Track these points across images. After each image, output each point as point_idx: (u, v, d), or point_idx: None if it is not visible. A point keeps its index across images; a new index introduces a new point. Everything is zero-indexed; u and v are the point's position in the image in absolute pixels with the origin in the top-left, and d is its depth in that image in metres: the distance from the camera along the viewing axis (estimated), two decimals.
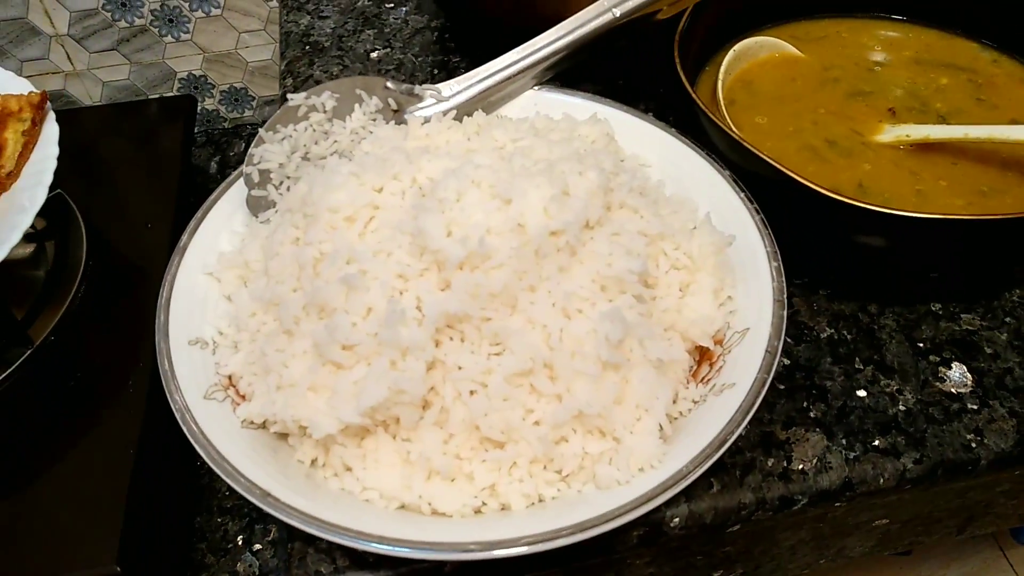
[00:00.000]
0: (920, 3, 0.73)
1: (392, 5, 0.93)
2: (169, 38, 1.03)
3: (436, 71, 0.83)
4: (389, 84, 0.60)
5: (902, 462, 0.52)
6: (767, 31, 0.73)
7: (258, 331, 0.47)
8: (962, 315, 0.59)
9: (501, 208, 0.44)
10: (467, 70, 0.83)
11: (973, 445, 0.52)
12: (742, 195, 0.54)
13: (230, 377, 0.47)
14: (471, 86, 0.62)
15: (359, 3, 0.93)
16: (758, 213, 0.53)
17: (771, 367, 0.45)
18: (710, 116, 0.55)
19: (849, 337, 0.58)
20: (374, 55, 0.86)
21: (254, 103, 1.14)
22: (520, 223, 0.44)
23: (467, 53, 0.85)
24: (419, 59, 0.85)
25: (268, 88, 1.11)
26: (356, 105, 0.59)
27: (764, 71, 0.70)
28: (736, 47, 0.68)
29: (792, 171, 0.51)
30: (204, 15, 1.02)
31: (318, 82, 0.83)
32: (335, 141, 0.58)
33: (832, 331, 0.58)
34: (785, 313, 0.48)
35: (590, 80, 0.78)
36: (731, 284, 0.50)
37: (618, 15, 0.62)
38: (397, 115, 0.61)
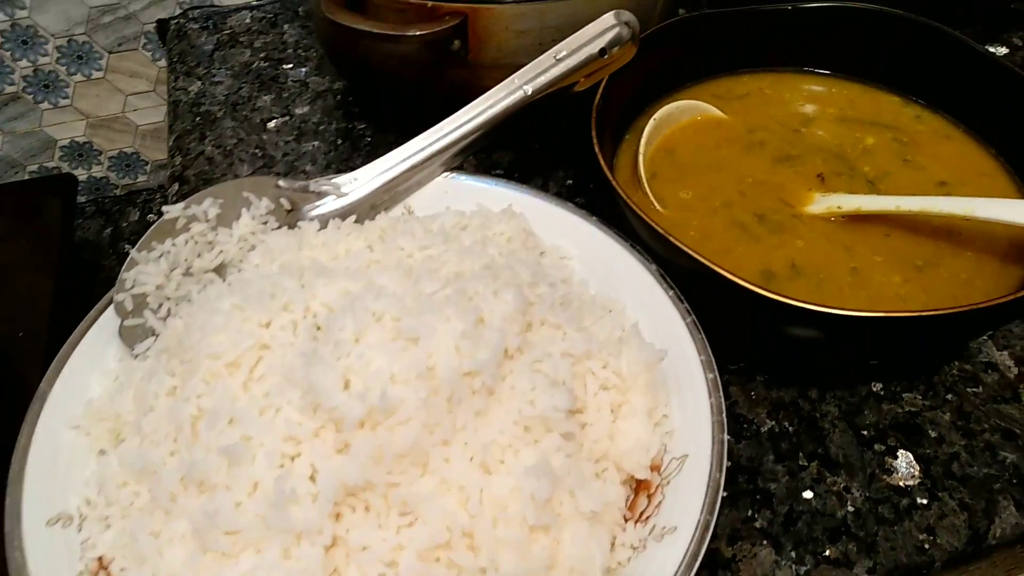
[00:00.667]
0: (841, 57, 0.70)
1: (291, 66, 0.86)
2: (46, 104, 0.94)
3: (340, 140, 0.77)
4: (280, 183, 0.54)
5: (855, 573, 0.48)
6: (689, 90, 0.70)
7: (131, 504, 0.41)
8: (904, 394, 0.56)
9: (407, 349, 0.39)
10: (372, 138, 0.78)
11: (926, 546, 0.49)
12: (671, 293, 0.50)
13: (100, 559, 0.40)
14: (374, 178, 0.56)
15: (254, 64, 0.86)
16: (689, 314, 0.49)
17: (715, 505, 0.41)
18: (631, 206, 0.51)
19: (791, 429, 0.55)
20: (271, 124, 0.79)
21: (147, 167, 1.05)
22: (429, 366, 0.38)
23: (372, 118, 0.79)
24: (321, 127, 0.79)
25: (161, 151, 1.03)
26: (244, 209, 0.53)
27: (687, 137, 0.66)
28: (656, 115, 0.64)
29: (719, 266, 0.47)
30: (85, 78, 0.94)
31: (210, 159, 0.76)
32: (221, 252, 0.52)
33: (773, 423, 0.55)
34: (725, 437, 0.44)
35: (507, 148, 0.74)
36: (665, 401, 0.45)
37: (530, 92, 0.58)
38: (292, 215, 0.55)
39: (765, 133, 0.66)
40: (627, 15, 0.59)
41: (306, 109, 0.81)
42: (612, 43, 0.59)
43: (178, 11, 0.93)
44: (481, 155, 0.74)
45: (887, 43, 0.68)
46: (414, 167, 0.57)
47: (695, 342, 0.47)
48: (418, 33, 0.61)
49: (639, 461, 0.43)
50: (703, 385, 0.45)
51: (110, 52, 0.92)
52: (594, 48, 0.58)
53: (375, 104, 0.80)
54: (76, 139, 0.98)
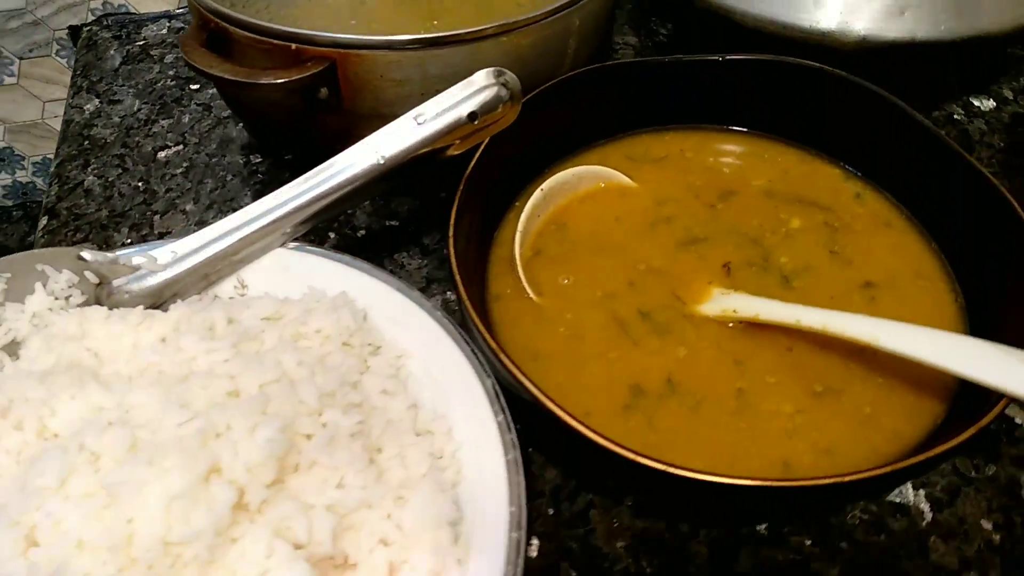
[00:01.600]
0: (778, 118, 0.61)
1: (197, 86, 0.79)
2: None
3: (230, 176, 0.70)
4: (85, 254, 0.48)
5: None
6: (599, 149, 0.62)
7: None
8: (792, 537, 0.48)
9: (108, 507, 0.32)
10: (265, 175, 0.71)
11: None
12: (500, 419, 0.43)
13: None
14: (198, 250, 0.50)
15: (160, 83, 0.80)
16: (514, 448, 0.42)
17: None
18: (466, 305, 0.44)
19: (649, 571, 0.47)
20: (162, 154, 0.73)
21: None
22: (127, 534, 0.32)
23: (269, 153, 0.72)
24: (214, 159, 0.72)
25: None
26: (39, 284, 0.47)
27: (584, 209, 0.58)
28: (546, 184, 0.56)
29: (544, 394, 0.40)
30: None
31: (88, 191, 0.70)
32: (9, 330, 0.46)
33: (630, 560, 0.47)
34: None
35: (409, 194, 0.67)
36: (456, 561, 0.38)
37: (384, 160, 0.50)
38: (102, 289, 0.49)
39: (676, 207, 0.58)
40: (506, 75, 0.51)
41: (203, 138, 0.74)
42: (486, 107, 0.51)
43: (91, 18, 0.87)
44: (379, 201, 0.67)
45: (831, 106, 0.59)
46: (248, 237, 0.50)
47: (509, 487, 0.40)
48: (275, 81, 0.53)
49: None
50: (502, 547, 0.37)
51: (20, 58, 0.86)
52: (462, 112, 0.50)
53: (272, 138, 0.73)
54: None
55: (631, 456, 0.38)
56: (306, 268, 0.51)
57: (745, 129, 0.63)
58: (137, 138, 0.75)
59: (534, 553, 0.48)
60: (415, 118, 0.51)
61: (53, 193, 0.70)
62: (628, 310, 0.51)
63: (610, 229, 0.57)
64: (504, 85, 0.51)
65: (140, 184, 0.71)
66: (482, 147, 0.53)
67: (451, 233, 0.47)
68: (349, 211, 0.66)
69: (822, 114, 0.59)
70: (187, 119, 0.77)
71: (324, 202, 0.51)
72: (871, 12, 0.62)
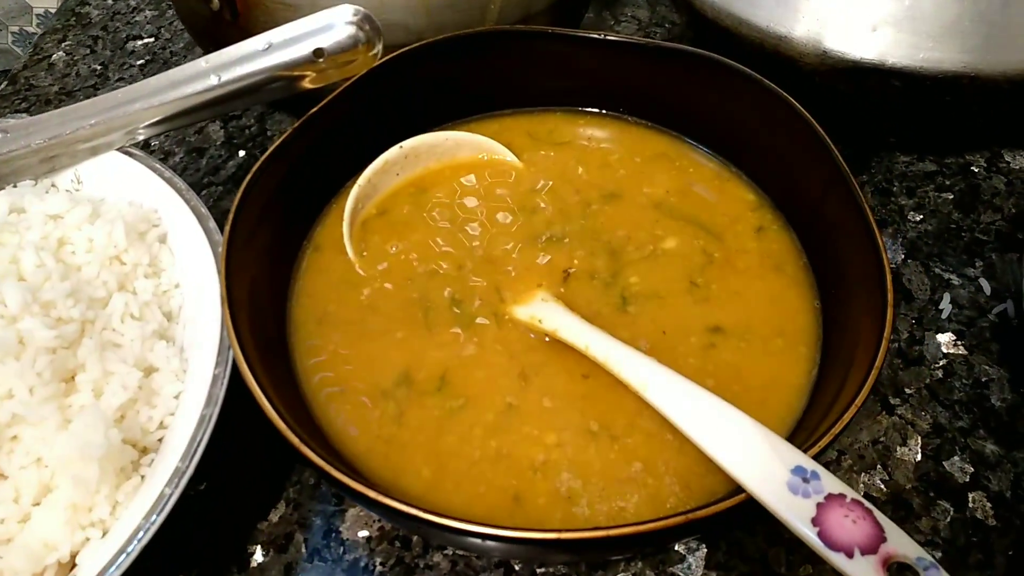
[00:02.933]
0: (700, 124, 0.54)
1: None
2: None
3: None
4: None
5: None
6: (503, 118, 0.57)
7: None
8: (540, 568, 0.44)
9: None
10: None
11: None
12: (217, 371, 0.41)
13: None
14: (30, 132, 0.50)
15: None
16: (215, 404, 0.39)
17: None
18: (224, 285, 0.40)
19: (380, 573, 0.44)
20: (131, 44, 0.74)
21: None
22: None
23: None
24: (175, 58, 0.73)
25: None
26: None
27: (455, 177, 0.53)
28: (410, 142, 0.52)
29: (260, 380, 0.37)
30: None
31: (52, 65, 0.72)
32: None
33: (365, 553, 0.45)
34: None
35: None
36: (104, 498, 0.37)
37: (219, 82, 0.48)
38: None
39: (549, 198, 0.52)
40: (368, 17, 0.47)
41: (175, 36, 0.75)
42: (338, 46, 0.47)
43: None
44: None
45: (752, 119, 0.51)
46: (83, 130, 0.50)
47: (190, 440, 0.38)
48: None
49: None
50: (153, 497, 0.35)
51: None
52: (307, 47, 0.47)
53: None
54: None
55: (313, 457, 0.35)
56: (137, 177, 0.50)
57: (672, 131, 0.56)
58: (118, 24, 0.76)
59: (275, 518, 0.46)
60: (266, 43, 0.48)
61: (23, 61, 0.73)
62: (440, 294, 0.47)
63: (470, 204, 0.52)
64: (362, 28, 0.47)
65: (99, 67, 0.72)
66: (340, 89, 0.49)
67: (238, 199, 0.44)
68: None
69: (744, 127, 0.52)
70: (170, 14, 0.77)
71: (162, 113, 0.49)
72: (845, 24, 0.52)
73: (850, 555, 0.32)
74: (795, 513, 0.33)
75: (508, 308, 0.47)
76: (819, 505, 0.33)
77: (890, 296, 0.40)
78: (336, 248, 0.49)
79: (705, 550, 0.44)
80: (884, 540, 0.32)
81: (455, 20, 0.56)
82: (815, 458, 0.36)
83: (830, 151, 0.46)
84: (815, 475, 0.34)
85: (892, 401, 0.50)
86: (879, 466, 0.48)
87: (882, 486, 0.47)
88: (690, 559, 0.44)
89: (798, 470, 0.34)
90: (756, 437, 0.36)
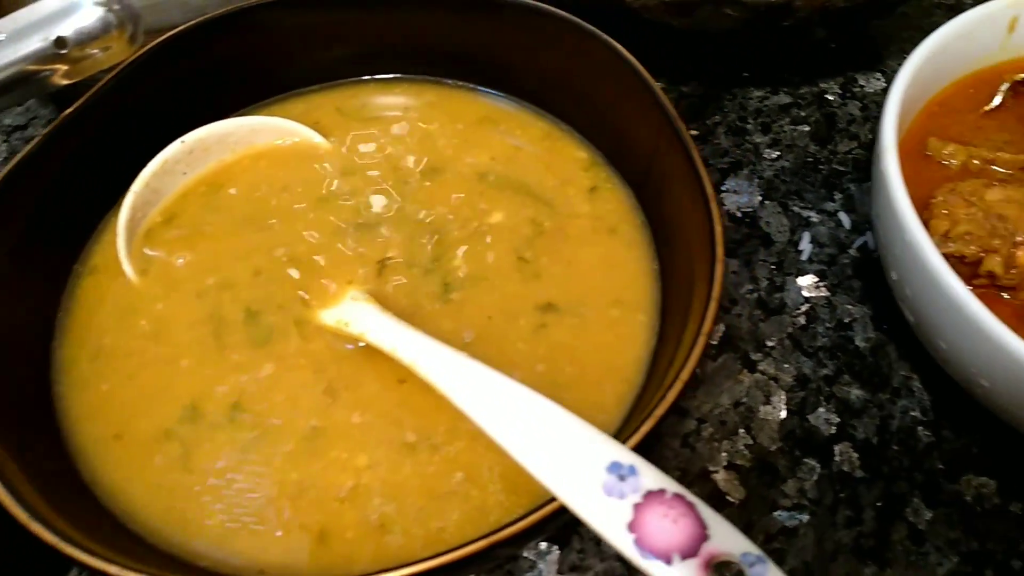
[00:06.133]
0: (528, 79, 0.49)
1: None
2: None
3: None
4: None
5: None
6: (310, 95, 0.51)
7: None
8: None
9: None
10: None
11: None
12: None
13: None
14: None
15: None
16: None
17: None
18: None
19: None
20: None
21: None
22: None
23: None
24: None
25: None
26: None
27: (256, 169, 0.47)
28: (192, 135, 0.45)
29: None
30: None
31: None
32: None
33: None
34: None
35: None
36: None
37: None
38: None
39: (362, 180, 0.47)
40: None
41: None
42: (85, 34, 0.41)
43: None
44: None
45: (576, 68, 0.46)
46: None
47: None
48: None
49: None
50: None
51: None
52: (45, 36, 0.40)
53: None
54: None
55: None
56: None
57: (497, 91, 0.51)
58: None
59: None
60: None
61: None
62: (236, 307, 0.42)
63: (272, 198, 0.46)
64: (112, 9, 0.41)
65: None
66: (100, 84, 0.42)
67: None
68: None
69: (570, 79, 0.47)
70: None
71: None
72: None
73: (668, 561, 0.28)
74: (609, 520, 0.29)
75: (314, 314, 0.41)
76: (636, 506, 0.29)
77: (719, 250, 0.36)
78: (113, 269, 0.43)
79: (557, 552, 0.40)
80: (707, 539, 0.28)
81: None
82: (641, 445, 0.32)
83: (656, 96, 0.41)
84: (632, 470, 0.30)
85: (753, 357, 0.47)
86: (742, 430, 0.44)
87: (746, 451, 0.44)
88: (541, 565, 0.40)
89: (614, 467, 0.30)
90: (569, 434, 0.31)
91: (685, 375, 0.33)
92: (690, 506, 0.29)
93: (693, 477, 0.43)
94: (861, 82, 0.60)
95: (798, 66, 0.60)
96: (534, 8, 0.45)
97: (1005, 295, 0.40)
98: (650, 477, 0.29)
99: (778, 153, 0.56)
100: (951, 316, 0.37)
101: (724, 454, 0.44)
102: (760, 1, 0.47)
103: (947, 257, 0.40)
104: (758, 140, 0.56)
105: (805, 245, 0.51)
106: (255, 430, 0.37)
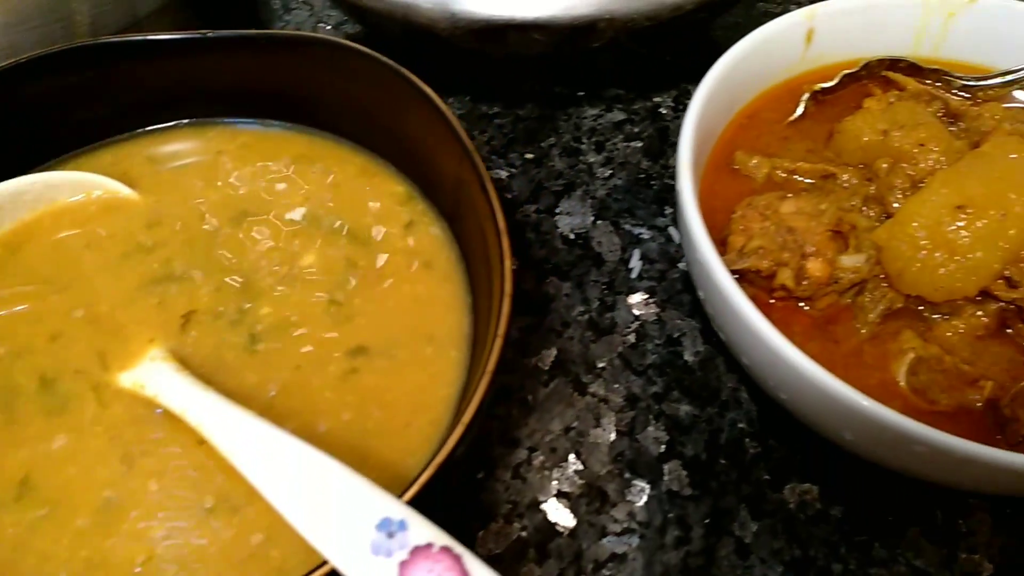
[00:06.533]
0: (339, 114, 0.48)
1: None
2: None
3: None
4: None
5: None
6: (119, 144, 0.49)
7: None
8: None
9: None
10: None
11: None
12: None
13: None
14: None
15: None
16: None
17: None
18: None
19: None
20: None
21: None
22: None
23: None
24: None
25: None
26: None
27: (58, 227, 0.45)
28: None
29: None
30: None
31: None
32: None
33: None
34: None
35: None
36: None
37: None
38: None
39: (168, 231, 0.45)
40: None
41: None
42: None
43: None
44: None
45: (378, 99, 0.45)
46: None
47: None
48: None
49: None
50: None
51: None
52: None
53: None
54: None
55: None
56: None
57: (313, 129, 0.50)
58: None
59: None
60: None
61: None
62: (30, 376, 0.40)
63: (74, 256, 0.44)
64: None
65: None
66: None
67: None
68: None
69: (379, 113, 0.46)
70: None
71: None
72: None
73: None
74: None
75: (113, 377, 0.40)
76: (402, 564, 0.28)
77: (507, 284, 0.36)
78: None
79: None
80: None
81: (33, 39, 0.48)
82: (424, 495, 0.31)
83: (452, 127, 0.41)
84: (402, 525, 0.29)
85: (584, 380, 0.47)
86: (572, 455, 0.44)
87: (576, 478, 0.43)
88: None
89: (384, 524, 0.29)
90: (345, 492, 0.30)
91: (466, 418, 0.32)
92: (457, 558, 0.28)
93: (524, 508, 0.42)
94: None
95: (633, 82, 0.61)
96: (330, 43, 0.44)
97: (804, 306, 0.41)
98: (418, 532, 0.29)
99: (611, 171, 0.56)
100: (743, 333, 0.37)
101: (555, 482, 0.43)
102: (565, 24, 0.47)
103: (745, 272, 0.40)
104: (592, 159, 0.57)
105: (635, 263, 0.51)
106: (44, 507, 0.36)
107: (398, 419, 0.39)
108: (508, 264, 0.36)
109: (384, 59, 0.43)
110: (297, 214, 0.46)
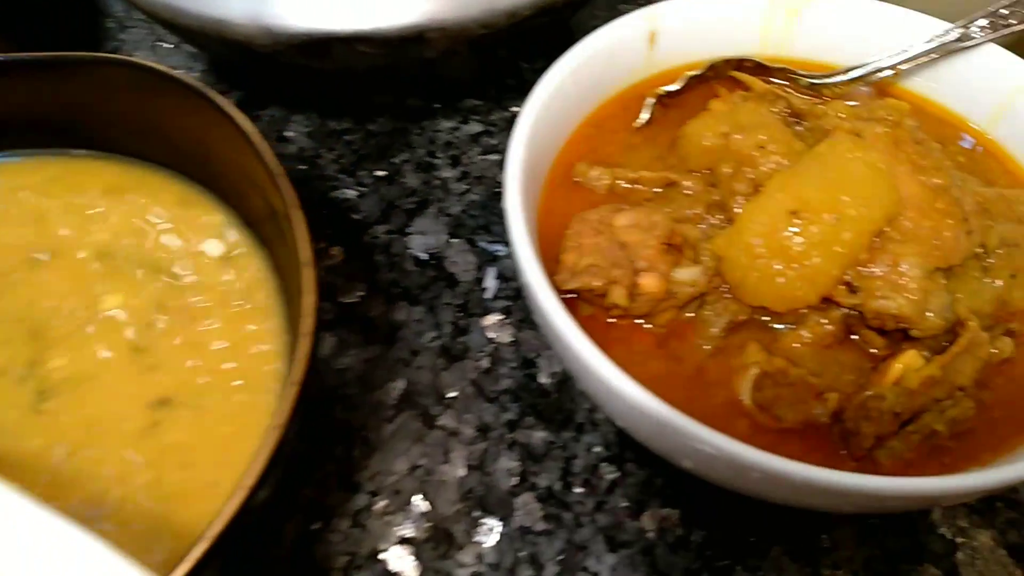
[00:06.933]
0: (164, 146, 0.44)
1: None
2: None
3: None
4: None
5: None
6: None
7: None
8: None
9: None
10: None
11: None
12: None
13: None
14: None
15: None
16: None
17: None
18: None
19: None
20: None
21: None
22: None
23: None
24: None
25: None
26: None
27: None
28: None
29: None
30: None
31: None
32: None
33: None
34: None
35: None
36: None
37: None
38: None
39: None
40: None
41: None
42: None
43: None
44: None
45: (187, 124, 0.41)
46: None
47: None
48: None
49: None
50: None
51: None
52: None
53: None
54: None
55: None
56: None
57: (127, 156, 0.45)
58: None
59: None
60: None
61: None
62: None
63: None
64: None
65: None
66: None
67: None
68: None
69: (188, 137, 0.42)
70: None
71: None
72: None
73: None
74: None
75: None
76: None
77: (307, 321, 0.32)
78: None
79: None
80: None
81: None
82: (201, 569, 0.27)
83: (258, 152, 0.37)
84: None
85: (433, 412, 0.44)
86: (418, 496, 0.41)
87: (422, 521, 0.40)
88: None
89: None
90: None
91: (242, 492, 0.29)
92: None
93: (362, 560, 0.39)
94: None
95: (492, 92, 0.58)
96: (127, 63, 0.40)
97: (645, 323, 0.38)
98: None
99: (467, 186, 0.53)
100: (572, 361, 0.35)
101: (397, 528, 0.40)
102: (391, 36, 0.44)
103: (579, 293, 0.38)
104: (447, 175, 0.54)
105: (491, 282, 0.49)
106: None
107: (202, 478, 0.35)
108: (309, 301, 0.33)
109: (186, 78, 0.39)
110: (103, 252, 0.41)
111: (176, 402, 0.37)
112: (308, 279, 0.33)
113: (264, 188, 0.38)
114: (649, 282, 0.36)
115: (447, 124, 0.56)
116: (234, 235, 0.42)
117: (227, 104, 0.38)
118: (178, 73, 0.39)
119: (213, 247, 0.42)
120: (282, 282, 0.41)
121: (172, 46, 0.61)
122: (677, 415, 0.31)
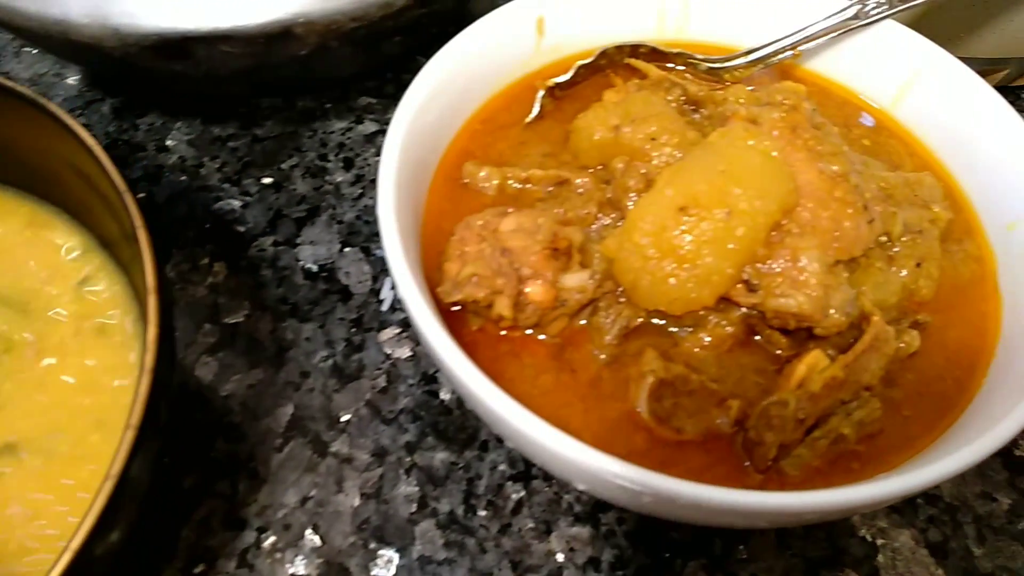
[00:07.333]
0: (21, 164, 0.40)
1: None
2: None
3: None
4: None
5: None
6: None
7: None
8: None
9: None
10: None
11: None
12: None
13: None
14: None
15: None
16: None
17: None
18: None
19: None
20: None
21: None
22: None
23: None
24: None
25: None
26: None
27: None
28: None
29: None
30: None
31: None
32: None
33: None
34: None
35: None
36: None
37: None
38: None
39: None
40: None
41: None
42: None
43: None
44: None
45: (39, 139, 0.38)
46: None
47: None
48: None
49: None
50: None
51: None
52: None
53: None
54: None
55: None
56: None
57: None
58: None
59: None
60: None
61: None
62: None
63: None
64: None
65: None
66: None
67: None
68: None
69: (31, 151, 0.38)
70: None
71: None
72: None
73: None
74: None
75: None
76: None
77: (148, 357, 0.29)
78: None
79: None
80: None
81: None
82: None
83: (101, 164, 0.34)
84: None
85: (325, 438, 0.41)
86: (310, 530, 0.38)
87: (314, 556, 0.37)
88: None
89: None
90: None
91: (76, 543, 0.25)
92: None
93: None
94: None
95: (388, 89, 0.55)
96: None
97: (539, 335, 0.36)
98: None
99: (361, 190, 0.50)
100: (454, 382, 0.32)
101: (288, 566, 0.37)
102: (254, 33, 0.40)
103: (464, 305, 0.35)
104: (340, 178, 0.50)
105: (387, 292, 0.46)
106: None
107: (46, 531, 0.31)
108: (152, 333, 0.30)
109: (18, 87, 0.35)
110: None
111: (22, 447, 0.33)
112: (152, 308, 0.30)
113: (115, 206, 0.34)
114: (535, 290, 0.34)
115: (340, 125, 0.53)
116: (89, 259, 0.39)
117: (64, 115, 0.35)
118: (8, 83, 0.35)
119: (67, 272, 0.38)
120: (142, 308, 0.37)
121: (40, 51, 0.57)
122: (560, 437, 0.29)
